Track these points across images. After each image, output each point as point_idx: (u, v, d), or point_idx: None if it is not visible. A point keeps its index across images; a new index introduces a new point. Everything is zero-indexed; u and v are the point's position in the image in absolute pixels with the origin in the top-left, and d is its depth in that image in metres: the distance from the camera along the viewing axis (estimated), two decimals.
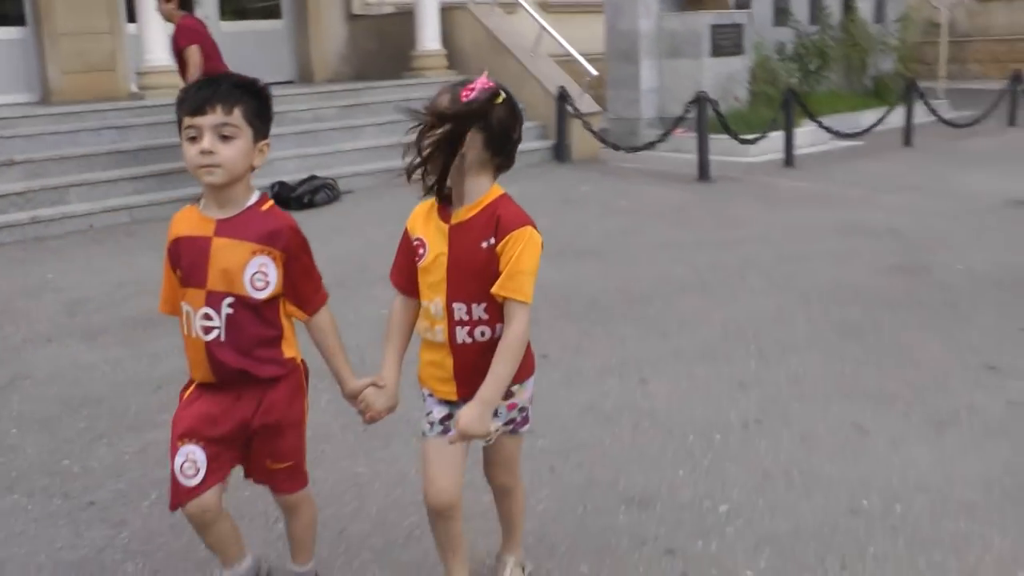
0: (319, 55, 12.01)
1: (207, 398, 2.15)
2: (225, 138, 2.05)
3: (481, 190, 2.02)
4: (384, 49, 11.63)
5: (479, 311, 2.02)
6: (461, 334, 2.05)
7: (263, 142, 2.14)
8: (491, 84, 1.98)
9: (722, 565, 2.57)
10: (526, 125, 9.83)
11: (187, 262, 2.10)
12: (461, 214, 2.02)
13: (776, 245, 6.30)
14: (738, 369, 4.10)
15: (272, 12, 12.12)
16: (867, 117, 11.83)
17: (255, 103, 2.11)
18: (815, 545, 2.66)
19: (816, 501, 2.92)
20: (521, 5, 10.91)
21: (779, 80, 11.98)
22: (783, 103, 9.89)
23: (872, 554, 2.62)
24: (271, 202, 2.19)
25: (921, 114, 11.88)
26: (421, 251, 2.09)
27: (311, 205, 7.86)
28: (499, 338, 2.01)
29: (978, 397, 3.71)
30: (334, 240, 6.62)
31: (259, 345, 2.14)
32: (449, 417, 2.12)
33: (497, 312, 2.02)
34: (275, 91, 7.04)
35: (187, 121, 2.04)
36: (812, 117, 10.51)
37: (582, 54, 10.46)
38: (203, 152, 2.04)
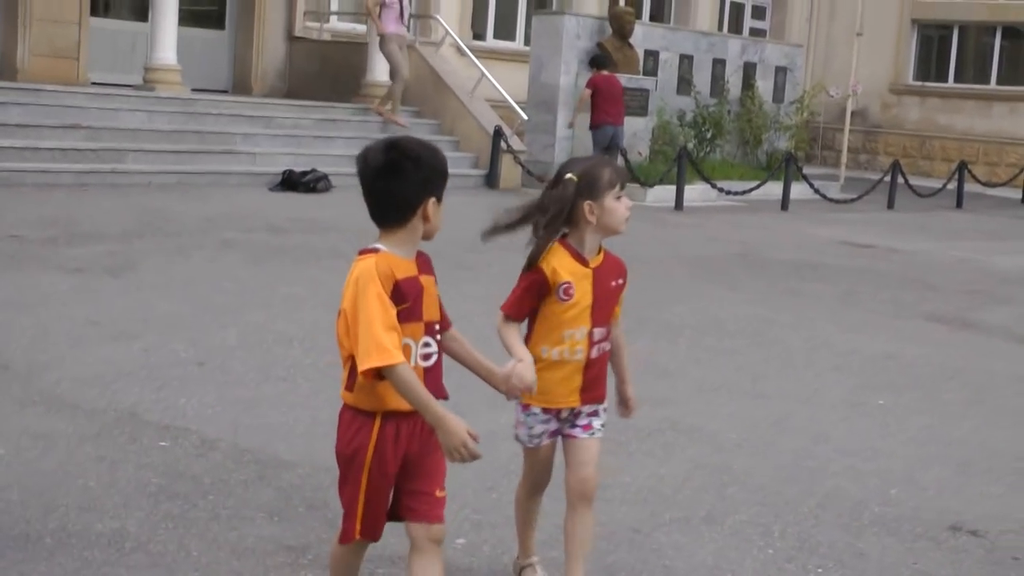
0: (259, 69, 20.88)
1: (403, 430, 3.81)
2: None
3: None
4: (325, 73, 20.53)
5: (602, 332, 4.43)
6: (595, 351, 4.36)
7: None
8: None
9: None
10: (461, 155, 19.15)
11: (411, 300, 3.73)
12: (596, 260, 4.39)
13: (664, 244, 15.57)
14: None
15: (216, 20, 21.01)
16: (753, 185, 21.64)
17: None
18: None
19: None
20: (464, 52, 20.34)
21: (676, 142, 21.68)
22: (676, 158, 19.48)
23: None
24: None
25: (809, 190, 21.86)
26: (571, 291, 4.31)
27: (314, 191, 16.58)
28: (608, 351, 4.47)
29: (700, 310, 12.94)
30: (347, 214, 15.41)
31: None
32: (555, 433, 4.44)
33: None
34: (254, 99, 17.69)
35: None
36: (703, 176, 20.14)
37: (510, 100, 19.90)
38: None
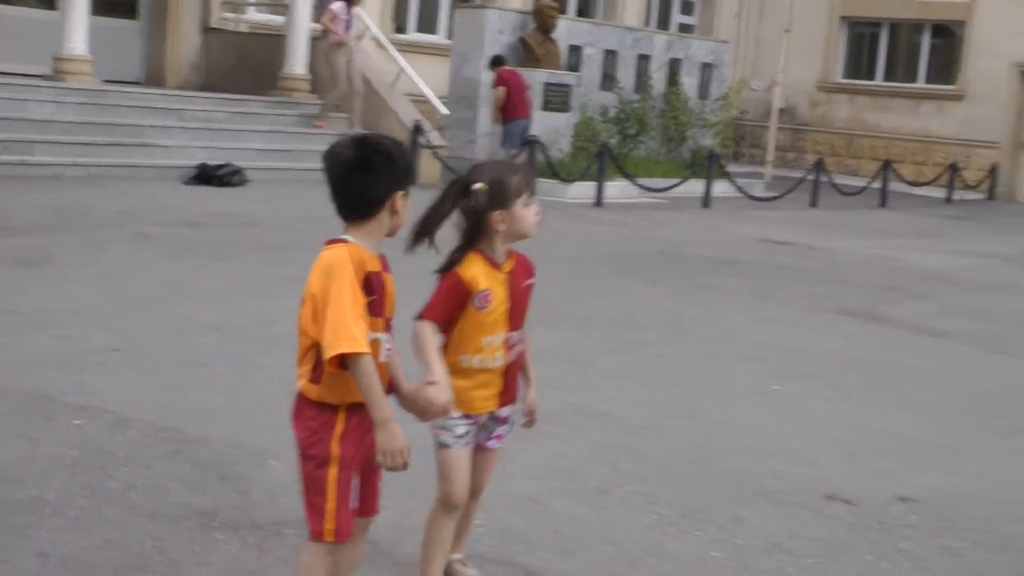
0: (173, 61, 21.26)
1: (365, 421, 3.93)
2: None
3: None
4: (242, 65, 20.96)
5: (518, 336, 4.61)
6: (511, 354, 4.55)
7: None
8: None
9: None
10: None
11: (378, 294, 3.95)
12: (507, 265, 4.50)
13: (583, 240, 16.13)
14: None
15: (128, 10, 21.34)
16: (675, 183, 22.29)
17: None
18: None
19: None
20: (384, 46, 20.85)
21: (599, 139, 22.29)
22: (597, 155, 20.08)
23: None
24: None
25: (732, 188, 22.56)
26: (490, 299, 4.42)
27: (229, 185, 17.00)
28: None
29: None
30: (265, 209, 15.83)
31: None
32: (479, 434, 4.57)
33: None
34: (167, 92, 18.09)
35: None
36: (624, 173, 20.76)
37: (430, 95, 20.45)
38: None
